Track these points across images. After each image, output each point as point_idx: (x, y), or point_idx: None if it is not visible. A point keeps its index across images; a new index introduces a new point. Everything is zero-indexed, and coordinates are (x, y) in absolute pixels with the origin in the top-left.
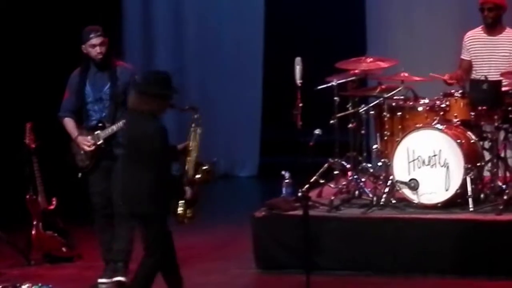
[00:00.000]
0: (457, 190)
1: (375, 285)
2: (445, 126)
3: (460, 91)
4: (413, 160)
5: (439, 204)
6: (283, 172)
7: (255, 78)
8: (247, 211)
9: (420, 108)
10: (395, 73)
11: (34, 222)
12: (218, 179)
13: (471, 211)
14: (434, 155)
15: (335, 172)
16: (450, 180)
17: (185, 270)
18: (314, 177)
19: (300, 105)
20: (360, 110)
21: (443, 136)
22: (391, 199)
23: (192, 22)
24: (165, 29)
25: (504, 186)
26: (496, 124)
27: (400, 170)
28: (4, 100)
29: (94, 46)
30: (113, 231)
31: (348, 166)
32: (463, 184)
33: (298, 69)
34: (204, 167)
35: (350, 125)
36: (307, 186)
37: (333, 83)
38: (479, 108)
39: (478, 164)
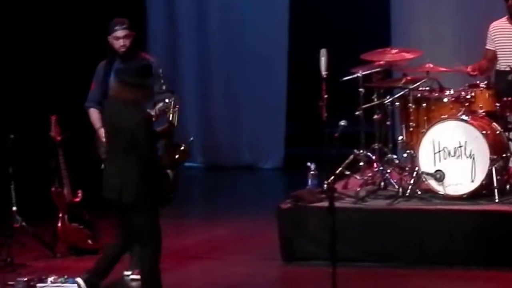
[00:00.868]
0: (482, 181)
1: (401, 277)
2: (470, 117)
3: (485, 82)
4: (439, 151)
5: (464, 195)
6: (308, 164)
7: (280, 70)
8: (272, 203)
9: (445, 99)
10: (420, 64)
11: (60, 215)
12: (244, 170)
13: (497, 202)
14: (460, 146)
15: (361, 164)
16: (476, 171)
17: (210, 262)
18: (340, 169)
19: (326, 96)
20: (385, 102)
21: (468, 127)
22: (417, 190)
23: (216, 14)
24: (189, 21)
25: None
26: None
27: (426, 161)
28: (30, 93)
29: (118, 38)
30: None
31: (373, 157)
32: (489, 175)
33: (323, 60)
34: (181, 147)
35: (375, 117)
36: (332, 177)
37: (358, 75)
38: (504, 99)
39: (503, 155)
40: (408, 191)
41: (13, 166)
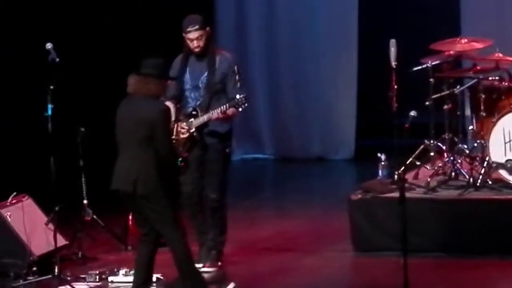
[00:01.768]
0: None
1: (471, 267)
2: None
3: None
4: (509, 141)
5: None
6: (379, 155)
7: (350, 60)
8: (343, 194)
9: None
10: (489, 54)
11: None
12: (314, 162)
13: None
14: None
15: (431, 154)
16: None
17: (281, 254)
18: (410, 159)
19: (395, 87)
20: (456, 91)
21: None
22: (487, 180)
23: (285, 5)
24: (257, 12)
25: None
26: None
27: (496, 151)
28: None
29: (191, 40)
30: (203, 217)
31: (444, 147)
32: None
33: (392, 51)
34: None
35: (445, 107)
36: (403, 168)
37: (428, 65)
38: None
39: None
40: (479, 181)
41: (83, 159)
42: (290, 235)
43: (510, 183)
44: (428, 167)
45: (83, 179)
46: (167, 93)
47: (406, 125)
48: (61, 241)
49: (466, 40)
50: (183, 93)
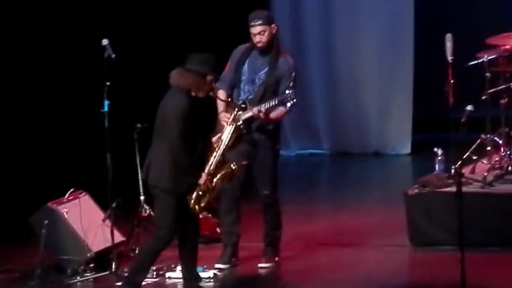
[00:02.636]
0: None
1: None
2: None
3: None
4: None
5: None
6: (435, 149)
7: (406, 55)
8: (399, 188)
9: None
10: None
11: None
12: (371, 156)
13: None
14: None
15: (488, 148)
16: None
17: (338, 248)
18: (467, 154)
19: (452, 81)
20: None
21: None
22: None
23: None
24: (313, 6)
25: None
26: None
27: None
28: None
29: (254, 35)
30: (237, 215)
31: (500, 141)
32: None
33: (449, 45)
34: (231, 165)
35: (502, 101)
36: (460, 162)
37: (484, 59)
38: None
39: None
40: None
41: (140, 156)
42: (347, 229)
43: None
44: (484, 162)
45: (139, 175)
46: (221, 82)
47: (463, 120)
48: (118, 237)
49: None
50: (237, 83)
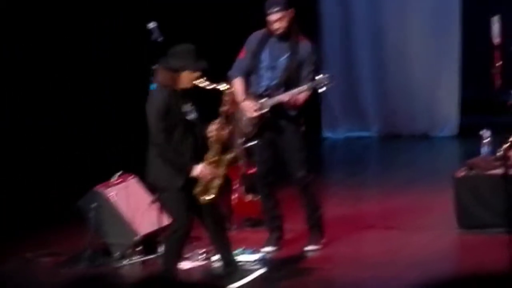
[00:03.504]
0: None
1: None
2: None
3: None
4: None
5: None
6: (482, 132)
7: (453, 38)
8: (447, 171)
9: None
10: None
11: (235, 187)
12: (419, 139)
13: None
14: None
15: None
16: None
17: (386, 231)
18: None
19: (498, 64)
20: None
21: None
22: None
23: None
24: None
25: None
26: None
27: None
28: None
29: (271, 22)
30: (275, 199)
31: None
32: None
33: (495, 28)
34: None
35: None
36: (507, 145)
37: None
38: None
39: None
40: None
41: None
42: (395, 212)
43: None
44: None
45: None
46: (237, 69)
47: (510, 102)
48: (165, 220)
49: None
50: (256, 71)
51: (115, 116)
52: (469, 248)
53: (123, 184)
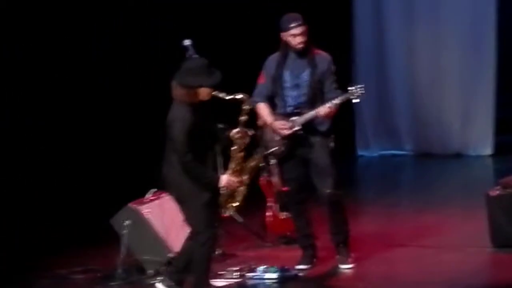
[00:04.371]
0: None
1: None
2: None
3: None
4: None
5: None
6: None
7: (488, 56)
8: (481, 190)
9: None
10: None
11: (269, 204)
12: (452, 158)
13: None
14: None
15: None
16: None
17: (419, 250)
18: None
19: None
20: None
21: None
22: None
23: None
24: (395, 6)
25: None
26: None
27: None
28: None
29: (295, 36)
30: (307, 217)
31: None
32: None
33: None
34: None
35: None
36: None
37: None
38: None
39: None
40: None
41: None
42: (429, 231)
43: None
44: None
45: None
46: (259, 95)
47: None
48: None
49: None
50: (280, 93)
51: (115, 116)
52: (502, 266)
53: (158, 201)
